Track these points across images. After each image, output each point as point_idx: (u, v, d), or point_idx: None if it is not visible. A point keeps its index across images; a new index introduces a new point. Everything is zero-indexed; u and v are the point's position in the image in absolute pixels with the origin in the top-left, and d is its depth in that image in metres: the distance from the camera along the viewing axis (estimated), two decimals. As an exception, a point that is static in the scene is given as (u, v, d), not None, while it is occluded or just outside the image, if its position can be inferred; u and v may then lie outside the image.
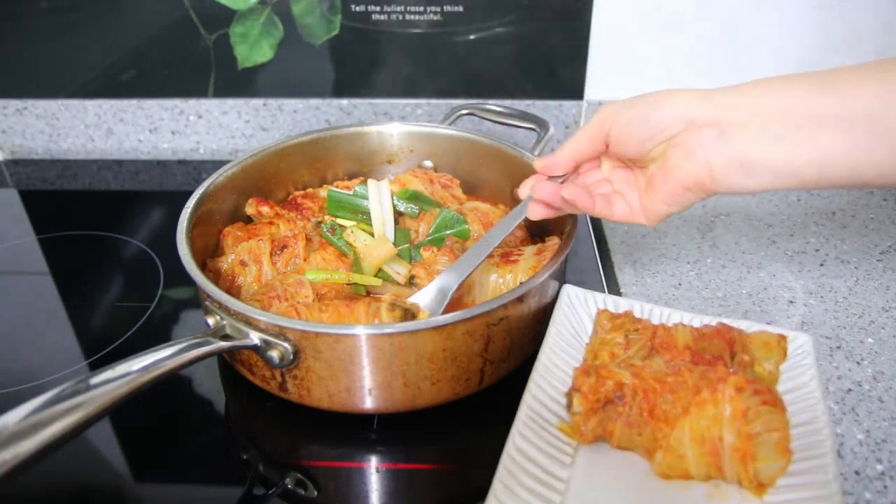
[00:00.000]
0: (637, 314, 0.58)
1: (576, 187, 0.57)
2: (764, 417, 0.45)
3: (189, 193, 0.67)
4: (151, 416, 0.60)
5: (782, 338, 0.54)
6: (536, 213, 0.61)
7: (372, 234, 0.70)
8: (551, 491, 0.46)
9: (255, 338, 0.53)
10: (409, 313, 0.55)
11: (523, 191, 0.63)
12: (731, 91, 0.53)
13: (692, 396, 0.46)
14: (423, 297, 0.59)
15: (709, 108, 0.52)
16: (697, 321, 0.57)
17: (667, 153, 0.55)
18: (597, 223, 0.87)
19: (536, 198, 0.59)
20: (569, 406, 0.49)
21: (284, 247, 0.66)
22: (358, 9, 0.95)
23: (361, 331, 0.51)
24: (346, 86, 1.01)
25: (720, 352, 0.52)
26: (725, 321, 0.55)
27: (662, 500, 0.46)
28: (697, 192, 0.55)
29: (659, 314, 0.59)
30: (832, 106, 0.49)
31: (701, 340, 0.53)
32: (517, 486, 0.45)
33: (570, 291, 0.61)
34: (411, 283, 0.66)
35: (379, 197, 0.68)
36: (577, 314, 0.59)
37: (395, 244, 0.68)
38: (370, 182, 0.72)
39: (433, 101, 1.01)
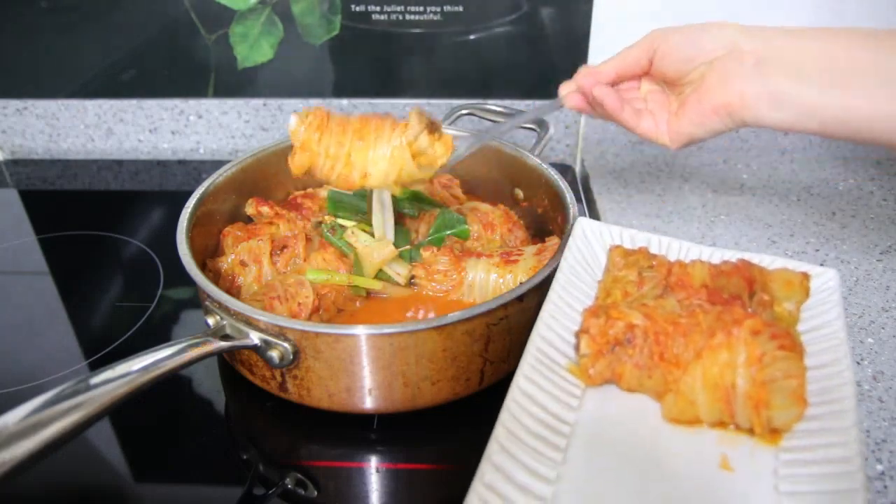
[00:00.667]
0: (654, 249, 0.55)
1: (608, 89, 0.62)
2: (780, 363, 0.42)
3: (189, 193, 0.67)
4: (151, 416, 0.60)
5: (805, 276, 0.50)
6: (573, 100, 0.65)
7: (372, 235, 0.70)
8: (557, 435, 0.43)
9: (255, 338, 0.53)
10: (435, 125, 0.58)
11: (564, 89, 0.66)
12: (779, 30, 0.57)
13: (706, 340, 0.44)
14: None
15: (754, 40, 0.56)
16: (717, 256, 0.54)
17: (705, 75, 0.58)
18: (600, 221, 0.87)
19: (578, 83, 0.63)
20: (577, 347, 0.47)
21: (284, 247, 0.66)
22: (358, 9, 0.95)
23: (361, 331, 0.51)
24: (346, 86, 1.01)
25: (738, 290, 0.49)
26: (746, 256, 0.52)
27: (672, 445, 0.44)
28: (724, 119, 0.58)
29: (678, 248, 0.56)
30: (867, 60, 0.52)
31: (719, 278, 0.50)
32: (521, 429, 0.43)
33: (584, 224, 0.57)
34: (411, 283, 0.66)
35: (380, 198, 0.68)
36: (591, 248, 0.56)
37: (395, 245, 0.68)
38: None
39: (433, 101, 1.01)
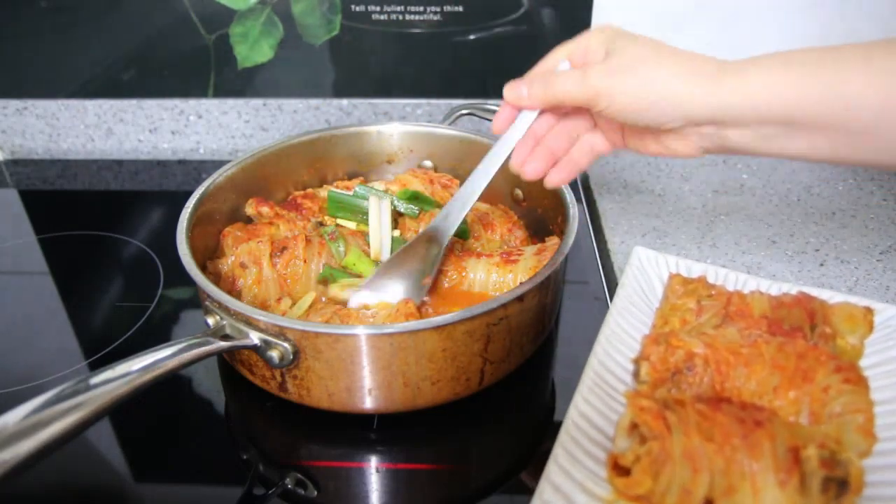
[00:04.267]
0: (711, 279, 0.55)
1: (540, 162, 0.59)
2: (846, 397, 0.41)
3: (189, 193, 0.67)
4: (151, 416, 0.60)
5: (869, 310, 0.50)
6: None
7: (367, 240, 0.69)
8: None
9: (255, 338, 0.53)
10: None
11: (497, 123, 0.61)
12: (733, 86, 0.50)
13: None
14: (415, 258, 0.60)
15: (709, 109, 0.51)
16: (776, 289, 0.54)
17: (661, 133, 0.54)
18: (597, 223, 0.87)
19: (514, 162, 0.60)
20: (636, 374, 0.46)
21: (284, 248, 0.66)
22: (358, 9, 0.95)
23: (361, 331, 0.51)
24: (346, 86, 1.01)
25: (800, 322, 0.48)
26: (806, 290, 0.52)
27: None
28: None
29: (735, 279, 0.55)
30: (829, 109, 0.48)
31: (779, 309, 0.49)
32: (580, 452, 0.43)
33: (640, 253, 0.57)
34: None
35: (379, 215, 0.68)
36: (647, 277, 0.56)
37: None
38: (371, 198, 0.71)
39: (433, 101, 1.01)
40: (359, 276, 0.66)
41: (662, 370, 0.45)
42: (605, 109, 0.52)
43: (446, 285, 0.65)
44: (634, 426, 0.42)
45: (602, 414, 0.45)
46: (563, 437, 0.43)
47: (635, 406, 0.41)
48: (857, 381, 0.43)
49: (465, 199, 0.62)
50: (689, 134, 0.52)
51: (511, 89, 0.59)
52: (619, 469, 0.42)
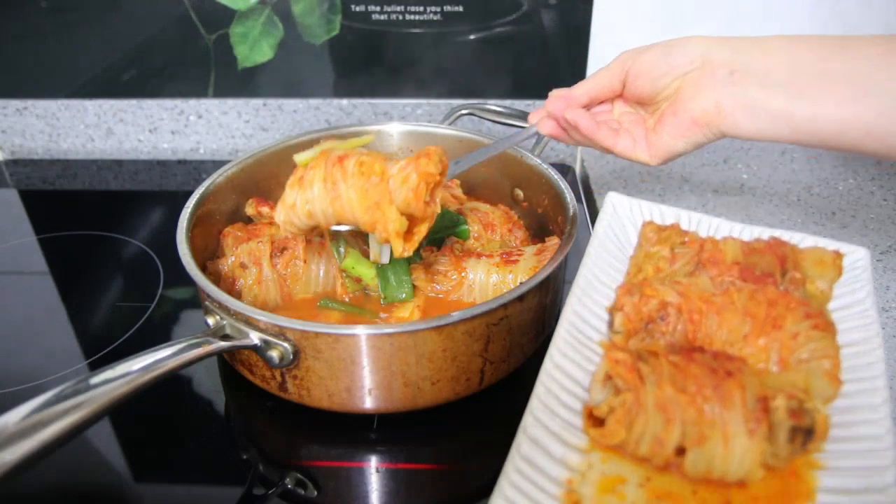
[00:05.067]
0: (685, 225, 0.55)
1: (581, 111, 0.63)
2: (815, 343, 0.42)
3: (189, 193, 0.67)
4: (151, 416, 0.60)
5: (838, 255, 0.50)
6: (545, 126, 0.66)
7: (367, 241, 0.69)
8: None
9: (255, 338, 0.53)
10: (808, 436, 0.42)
11: (534, 117, 0.67)
12: (748, 40, 0.57)
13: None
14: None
15: (723, 51, 0.57)
16: (748, 233, 0.54)
17: (679, 88, 0.59)
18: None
19: (548, 110, 0.64)
20: (611, 324, 0.47)
21: (284, 248, 0.66)
22: (358, 9, 0.95)
23: (361, 331, 0.51)
24: (346, 86, 1.01)
25: (771, 268, 0.49)
26: (778, 234, 0.52)
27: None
28: (704, 129, 0.59)
29: (707, 225, 0.56)
30: (835, 68, 0.53)
31: (751, 255, 0.50)
32: (556, 403, 0.43)
33: (614, 199, 0.57)
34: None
35: None
36: (621, 223, 0.56)
37: (389, 263, 0.67)
38: None
39: (433, 101, 1.01)
40: (358, 279, 0.66)
41: (636, 320, 0.46)
42: (630, 68, 0.61)
43: (447, 286, 0.65)
44: (609, 378, 0.42)
45: (577, 364, 0.45)
46: (538, 389, 0.43)
47: (610, 359, 0.42)
48: (826, 328, 0.43)
49: (482, 154, 0.66)
50: (705, 82, 0.57)
51: (559, 91, 0.66)
52: (594, 420, 0.43)
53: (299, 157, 0.56)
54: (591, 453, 0.41)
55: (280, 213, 0.56)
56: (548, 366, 0.44)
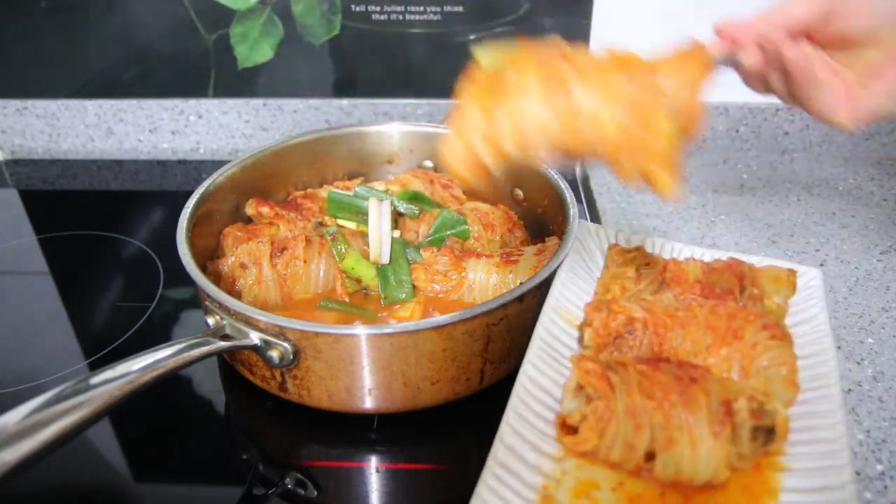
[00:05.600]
0: (648, 249, 0.58)
1: (799, 44, 0.48)
2: (773, 352, 0.45)
3: (189, 193, 0.67)
4: (151, 416, 0.60)
5: (791, 272, 0.54)
6: (751, 56, 0.50)
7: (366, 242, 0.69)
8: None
9: (255, 338, 0.53)
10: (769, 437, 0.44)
11: (724, 39, 0.52)
12: None
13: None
14: None
15: None
16: (708, 256, 0.57)
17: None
18: (597, 222, 0.87)
19: (758, 31, 0.49)
20: (581, 340, 0.49)
21: (284, 248, 0.66)
22: (358, 9, 0.95)
23: (361, 331, 0.51)
24: (346, 86, 1.01)
25: (730, 286, 0.52)
26: (736, 255, 0.55)
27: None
28: None
29: (670, 249, 0.59)
30: None
31: (711, 275, 0.53)
32: (529, 413, 0.45)
33: (582, 227, 0.60)
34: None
35: (378, 217, 0.68)
36: (588, 249, 0.59)
37: (389, 263, 0.67)
38: (372, 201, 0.71)
39: (433, 101, 1.01)
40: (358, 280, 0.66)
41: (605, 335, 0.48)
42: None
43: (447, 286, 0.65)
44: (580, 388, 0.44)
45: (549, 377, 0.48)
46: (513, 401, 0.45)
47: (581, 369, 0.44)
48: (782, 337, 0.46)
49: None
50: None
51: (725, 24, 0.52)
52: (567, 428, 0.45)
53: (484, 55, 0.40)
54: (565, 460, 0.44)
55: (454, 148, 0.39)
56: (522, 378, 0.47)
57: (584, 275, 0.57)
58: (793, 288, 0.53)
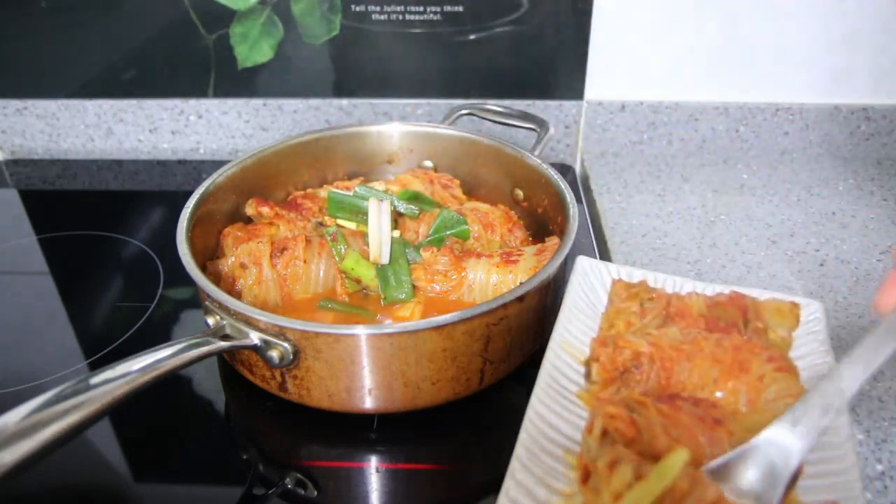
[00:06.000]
0: (651, 284, 0.58)
1: None
2: (779, 384, 0.45)
3: (189, 193, 0.67)
4: (151, 416, 0.60)
5: (794, 305, 0.54)
6: None
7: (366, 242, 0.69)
8: (570, 454, 0.46)
9: (255, 338, 0.53)
10: None
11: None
12: None
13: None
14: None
15: None
16: (710, 290, 0.57)
17: None
18: (597, 223, 0.87)
19: None
20: (587, 375, 0.49)
21: (284, 249, 0.66)
22: (358, 9, 0.95)
23: (361, 331, 0.51)
24: (346, 86, 1.01)
25: (734, 319, 0.52)
26: (738, 289, 0.56)
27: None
28: None
29: (672, 283, 0.59)
30: None
31: (715, 308, 0.53)
32: (538, 449, 0.45)
33: (584, 263, 0.61)
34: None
35: (378, 217, 0.68)
36: (590, 284, 0.59)
37: (389, 263, 0.67)
38: (371, 200, 0.71)
39: (433, 101, 1.01)
40: (357, 280, 0.66)
41: (612, 369, 0.48)
42: None
43: (447, 286, 0.65)
44: (605, 433, 0.44)
45: (556, 413, 0.48)
46: (522, 437, 0.46)
47: (605, 414, 0.44)
48: (788, 369, 0.46)
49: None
50: None
51: None
52: (589, 474, 0.44)
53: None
54: (575, 497, 0.44)
55: None
56: (530, 414, 0.47)
57: (587, 310, 0.57)
58: (796, 320, 0.53)
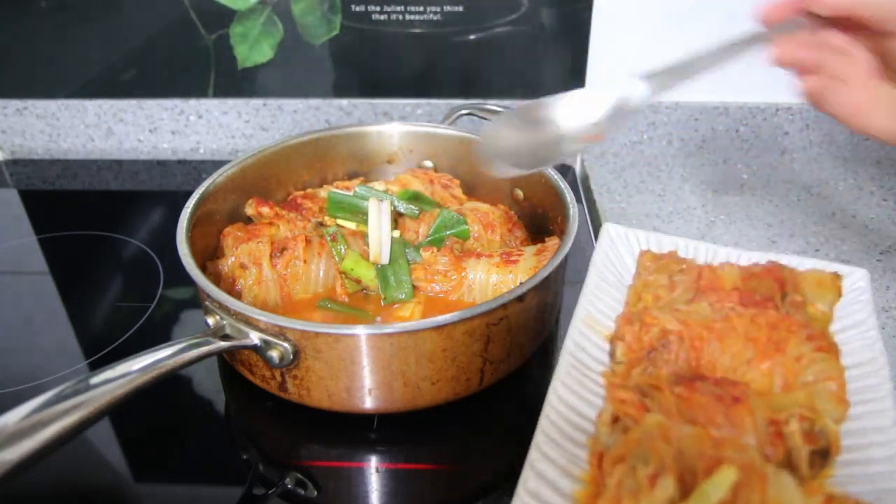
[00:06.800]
0: (682, 253, 0.54)
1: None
2: (818, 365, 0.42)
3: (189, 193, 0.67)
4: (151, 416, 0.60)
5: (836, 276, 0.50)
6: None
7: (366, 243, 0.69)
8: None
9: (255, 338, 0.53)
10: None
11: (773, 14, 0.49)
12: None
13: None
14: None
15: None
16: (745, 258, 0.53)
17: None
18: (597, 223, 0.87)
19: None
20: (612, 354, 0.47)
21: (284, 249, 0.66)
22: (358, 9, 0.95)
23: (361, 331, 0.51)
24: (346, 86, 1.01)
25: (770, 292, 0.49)
26: (775, 258, 0.52)
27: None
28: None
29: (705, 251, 0.55)
30: None
31: (750, 280, 0.49)
32: (559, 435, 0.42)
33: (610, 230, 0.56)
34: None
35: (378, 217, 0.68)
36: (618, 253, 0.56)
37: (389, 264, 0.67)
38: (371, 200, 0.71)
39: (433, 101, 1.01)
40: (357, 280, 0.66)
41: (638, 349, 0.45)
42: None
43: (447, 286, 0.65)
44: (616, 420, 0.42)
45: (581, 397, 0.45)
46: (543, 423, 0.42)
47: (614, 399, 0.41)
48: (829, 349, 0.43)
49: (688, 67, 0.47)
50: None
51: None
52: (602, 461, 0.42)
53: None
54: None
55: None
56: (551, 398, 0.44)
57: (614, 281, 0.53)
58: (838, 293, 0.49)
